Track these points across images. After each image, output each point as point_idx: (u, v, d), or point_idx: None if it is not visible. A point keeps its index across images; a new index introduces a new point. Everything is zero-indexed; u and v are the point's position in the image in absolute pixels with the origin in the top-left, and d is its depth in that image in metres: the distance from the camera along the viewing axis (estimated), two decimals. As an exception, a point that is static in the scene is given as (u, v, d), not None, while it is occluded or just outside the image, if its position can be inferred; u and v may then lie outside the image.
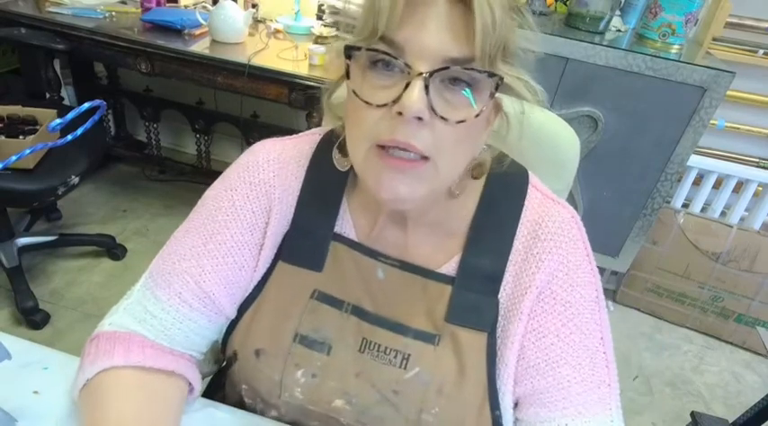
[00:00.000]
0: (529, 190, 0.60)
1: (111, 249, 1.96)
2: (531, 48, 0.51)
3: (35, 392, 0.58)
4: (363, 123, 0.48)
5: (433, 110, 0.45)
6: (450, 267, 0.60)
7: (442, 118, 0.46)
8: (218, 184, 0.63)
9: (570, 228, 0.59)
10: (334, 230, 0.61)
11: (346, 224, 0.62)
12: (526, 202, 0.60)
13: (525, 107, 0.54)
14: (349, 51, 0.47)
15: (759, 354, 2.04)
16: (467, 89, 0.46)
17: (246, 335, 0.60)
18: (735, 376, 1.95)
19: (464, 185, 0.58)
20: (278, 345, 0.59)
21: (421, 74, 0.44)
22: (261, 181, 0.61)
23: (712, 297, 2.04)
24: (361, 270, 0.60)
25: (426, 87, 0.44)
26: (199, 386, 0.61)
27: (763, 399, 1.29)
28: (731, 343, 2.08)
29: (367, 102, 0.47)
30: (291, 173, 0.62)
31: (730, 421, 1.35)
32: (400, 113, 0.44)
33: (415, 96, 0.43)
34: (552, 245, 0.57)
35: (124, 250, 1.98)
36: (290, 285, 0.60)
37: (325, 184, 0.61)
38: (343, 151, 0.57)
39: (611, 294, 2.19)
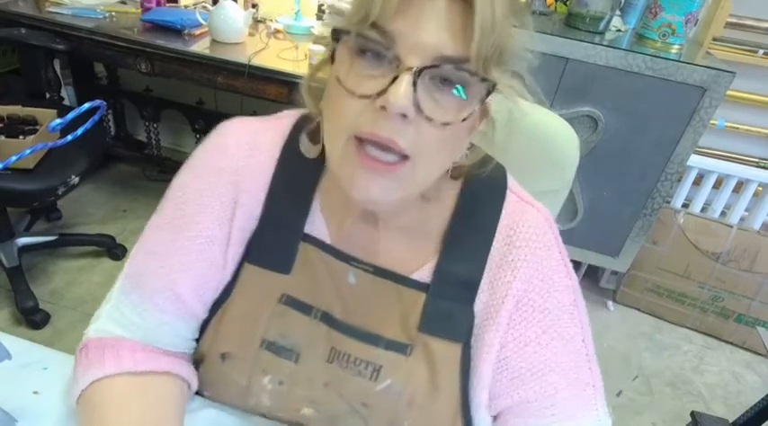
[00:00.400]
0: (507, 194, 0.58)
1: (111, 249, 1.96)
2: (527, 55, 0.49)
3: (35, 392, 0.58)
4: (343, 113, 0.45)
5: (419, 108, 0.43)
6: (423, 273, 0.57)
7: (428, 118, 0.43)
8: (185, 171, 0.60)
9: (545, 233, 0.57)
10: (304, 230, 0.58)
11: (318, 223, 0.58)
12: (504, 207, 0.58)
13: (524, 105, 0.52)
14: (337, 34, 0.45)
15: (759, 354, 2.04)
16: (458, 87, 0.44)
17: (213, 338, 0.58)
18: (735, 376, 1.95)
19: (440, 188, 0.56)
20: (245, 350, 0.56)
21: (410, 69, 0.41)
22: (229, 167, 0.57)
23: (712, 297, 2.03)
24: (332, 275, 0.57)
25: (414, 83, 0.41)
26: (195, 381, 0.60)
27: (763, 399, 1.29)
28: (731, 343, 2.08)
29: (350, 91, 0.44)
30: (261, 162, 0.58)
31: (730, 421, 1.35)
32: (384, 108, 0.42)
33: (402, 91, 0.41)
34: (527, 252, 0.56)
35: (124, 250, 1.98)
36: (258, 288, 0.57)
37: (297, 179, 0.58)
38: (314, 138, 0.54)
39: (611, 294, 2.19)
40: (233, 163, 0.57)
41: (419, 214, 0.57)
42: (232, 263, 0.58)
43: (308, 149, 0.56)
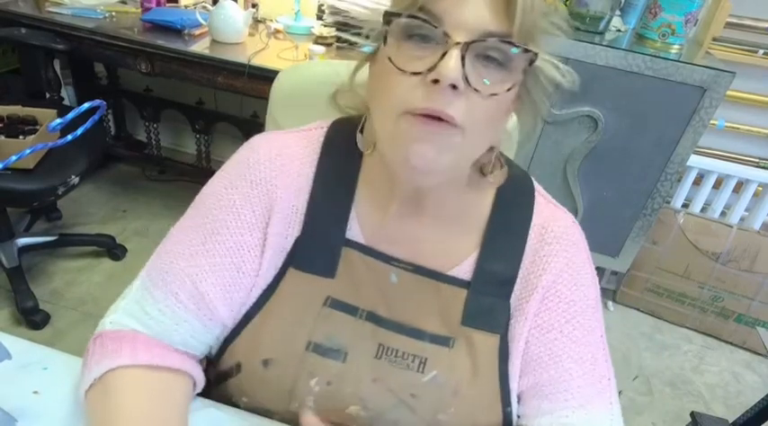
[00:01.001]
0: (536, 196, 0.62)
1: (111, 249, 1.96)
2: (558, 33, 0.52)
3: (35, 392, 0.58)
4: (395, 91, 0.47)
5: (467, 81, 0.45)
6: (462, 270, 0.60)
7: (476, 89, 0.46)
8: (216, 181, 0.61)
9: (573, 233, 0.61)
10: (345, 235, 0.60)
11: (354, 226, 0.60)
12: (535, 208, 0.61)
13: None
14: (389, 17, 0.47)
15: (759, 354, 2.04)
16: (498, 67, 0.47)
17: (253, 345, 0.58)
18: (735, 376, 1.95)
19: (479, 180, 0.59)
20: (289, 354, 0.57)
21: (458, 43, 0.44)
22: (262, 179, 0.59)
23: (712, 297, 2.04)
24: (374, 276, 0.60)
25: (463, 58, 0.44)
26: (202, 383, 0.60)
27: (763, 399, 1.29)
28: (731, 343, 2.08)
29: (401, 70, 0.47)
30: (295, 171, 0.60)
31: (730, 421, 1.35)
32: (436, 81, 0.45)
33: (453, 64, 0.44)
34: (558, 248, 0.59)
35: (124, 250, 1.99)
36: (302, 292, 0.59)
37: (336, 189, 0.60)
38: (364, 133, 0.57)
39: (611, 294, 2.19)
40: (265, 174, 0.59)
41: (463, 205, 0.60)
42: (269, 268, 0.59)
43: (362, 143, 0.59)
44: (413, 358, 0.57)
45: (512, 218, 0.61)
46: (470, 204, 0.60)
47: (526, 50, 0.47)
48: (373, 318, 0.59)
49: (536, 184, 0.64)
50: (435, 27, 0.45)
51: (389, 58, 0.48)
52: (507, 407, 0.58)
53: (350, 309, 0.59)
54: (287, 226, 0.59)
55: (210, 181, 0.62)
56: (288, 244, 0.60)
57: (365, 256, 0.60)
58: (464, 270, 0.60)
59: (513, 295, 0.60)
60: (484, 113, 0.48)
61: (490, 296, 0.59)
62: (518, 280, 0.60)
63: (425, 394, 0.57)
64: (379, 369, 0.58)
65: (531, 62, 0.48)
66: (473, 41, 0.45)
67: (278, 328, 0.58)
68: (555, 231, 0.60)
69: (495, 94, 0.47)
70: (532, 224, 0.60)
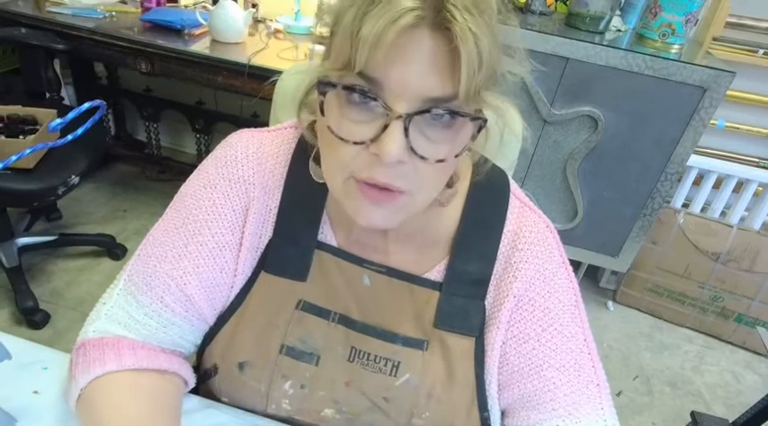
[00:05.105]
0: (510, 199, 0.60)
1: (111, 249, 1.96)
2: (517, 71, 0.48)
3: (35, 392, 0.58)
4: (339, 157, 0.45)
5: (412, 150, 0.42)
6: (435, 273, 0.59)
7: (422, 157, 0.43)
8: (195, 180, 0.60)
9: (546, 238, 0.60)
10: (317, 238, 0.59)
11: (327, 230, 0.60)
12: (509, 211, 0.60)
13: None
14: (324, 88, 0.43)
15: (759, 354, 2.04)
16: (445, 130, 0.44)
17: (228, 348, 0.59)
18: (735, 376, 1.95)
19: (450, 195, 0.57)
20: (264, 357, 0.57)
21: (400, 116, 0.41)
22: (240, 177, 0.58)
23: (712, 297, 2.03)
24: (347, 278, 0.59)
25: (406, 129, 0.41)
26: (192, 380, 0.61)
27: (763, 399, 1.29)
28: (731, 343, 2.08)
29: (344, 140, 0.44)
30: (270, 171, 0.59)
31: (730, 421, 1.35)
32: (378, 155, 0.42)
33: (395, 142, 0.41)
34: (529, 255, 0.58)
35: (124, 250, 1.99)
36: (275, 296, 0.58)
37: (308, 191, 0.59)
38: (319, 161, 0.54)
39: (611, 294, 2.19)
40: (243, 172, 0.58)
41: (426, 221, 0.59)
42: (244, 269, 0.59)
43: (316, 174, 0.56)
44: (385, 361, 0.57)
45: (484, 221, 0.59)
46: (438, 218, 0.59)
47: (474, 118, 0.43)
48: (345, 321, 0.58)
49: (513, 185, 0.62)
50: (375, 100, 0.41)
51: (329, 127, 0.44)
52: (484, 412, 0.58)
53: (322, 312, 0.58)
54: (261, 226, 0.59)
55: (189, 180, 0.61)
56: (261, 245, 0.59)
57: (338, 259, 0.59)
58: (437, 272, 0.59)
59: (488, 296, 0.58)
60: (434, 173, 0.46)
61: (463, 297, 0.58)
62: (491, 284, 0.58)
63: (399, 397, 0.56)
64: (352, 373, 0.57)
65: (481, 128, 0.44)
66: (416, 113, 0.41)
67: (252, 331, 0.58)
68: (527, 237, 0.58)
69: (442, 161, 0.44)
70: (505, 227, 0.59)
